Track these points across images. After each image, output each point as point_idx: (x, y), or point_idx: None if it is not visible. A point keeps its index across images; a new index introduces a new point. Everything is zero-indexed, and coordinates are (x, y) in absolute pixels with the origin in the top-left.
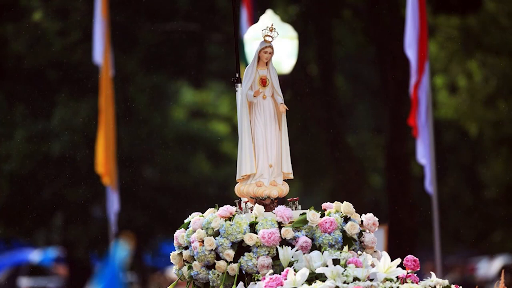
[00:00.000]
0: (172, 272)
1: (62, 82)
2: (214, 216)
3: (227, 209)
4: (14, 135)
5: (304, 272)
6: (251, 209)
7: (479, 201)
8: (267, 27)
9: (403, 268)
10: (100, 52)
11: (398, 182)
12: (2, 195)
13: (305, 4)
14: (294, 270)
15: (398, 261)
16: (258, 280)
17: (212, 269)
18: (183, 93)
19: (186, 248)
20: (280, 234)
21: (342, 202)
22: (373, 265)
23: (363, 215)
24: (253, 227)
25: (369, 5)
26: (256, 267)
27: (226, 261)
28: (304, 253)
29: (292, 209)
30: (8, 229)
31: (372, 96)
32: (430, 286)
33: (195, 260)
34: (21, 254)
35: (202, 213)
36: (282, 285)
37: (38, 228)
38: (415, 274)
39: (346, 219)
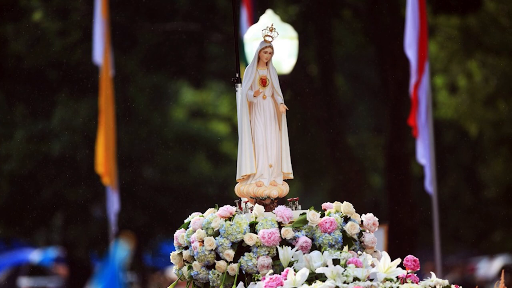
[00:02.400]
0: (172, 272)
1: (62, 82)
2: (214, 216)
3: (227, 209)
4: (14, 135)
5: (304, 272)
6: (251, 209)
7: (479, 201)
8: (267, 27)
9: (403, 268)
10: (100, 52)
11: (398, 182)
12: (2, 195)
13: (305, 4)
14: (294, 270)
15: (398, 261)
16: (258, 280)
17: (212, 269)
18: (183, 93)
19: (186, 248)
20: (280, 234)
21: (342, 202)
22: (373, 265)
23: (363, 215)
24: (253, 227)
25: (369, 5)
26: (256, 267)
27: (226, 261)
28: (304, 253)
29: (292, 209)
30: (8, 229)
31: (372, 96)
32: (430, 286)
33: (195, 260)
34: (21, 254)
35: (202, 213)
36: (282, 285)
37: (38, 228)
38: (415, 274)
39: (346, 219)
